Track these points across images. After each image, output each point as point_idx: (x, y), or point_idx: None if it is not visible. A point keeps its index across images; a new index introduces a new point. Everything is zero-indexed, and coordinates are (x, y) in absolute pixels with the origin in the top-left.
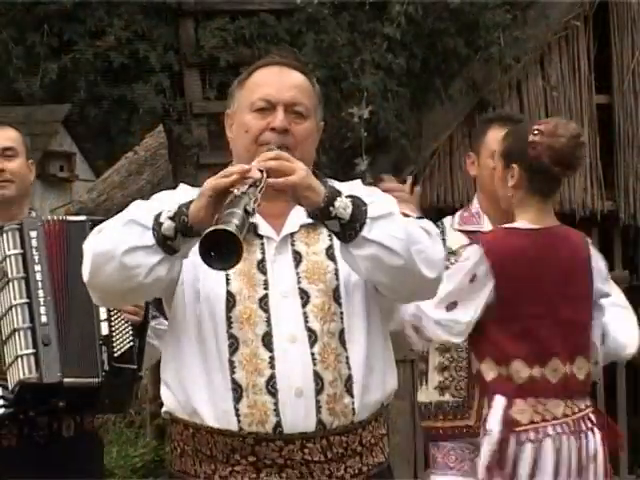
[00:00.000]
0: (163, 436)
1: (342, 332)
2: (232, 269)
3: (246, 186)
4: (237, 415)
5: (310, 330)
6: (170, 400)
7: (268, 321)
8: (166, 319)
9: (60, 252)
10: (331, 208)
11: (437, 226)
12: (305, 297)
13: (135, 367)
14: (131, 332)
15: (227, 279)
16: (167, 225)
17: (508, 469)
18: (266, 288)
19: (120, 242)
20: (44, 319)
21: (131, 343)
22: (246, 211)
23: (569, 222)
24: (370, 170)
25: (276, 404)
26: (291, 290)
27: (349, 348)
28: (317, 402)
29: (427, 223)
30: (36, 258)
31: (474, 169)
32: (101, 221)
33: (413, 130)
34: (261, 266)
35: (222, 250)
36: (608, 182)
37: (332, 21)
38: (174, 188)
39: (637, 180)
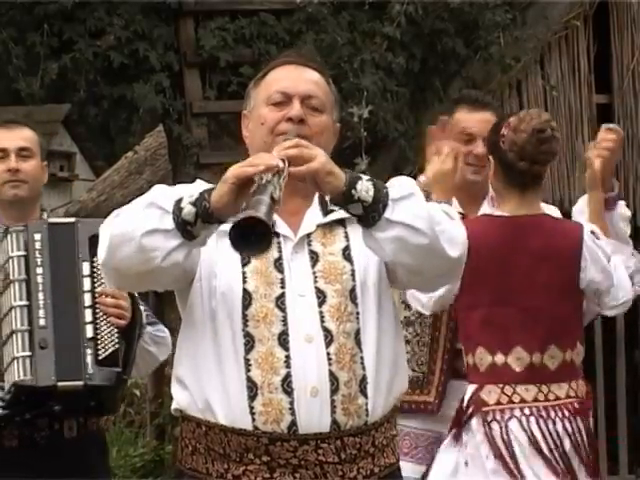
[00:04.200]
0: (163, 436)
1: (358, 332)
2: (261, 254)
3: (269, 175)
4: (252, 413)
5: (326, 330)
6: (182, 397)
7: (284, 320)
8: (165, 326)
9: (55, 254)
10: (353, 191)
11: None
12: (321, 297)
13: (119, 370)
14: (117, 335)
15: (244, 277)
16: (188, 210)
17: (470, 448)
18: (283, 287)
19: (139, 224)
20: (42, 322)
21: (116, 346)
22: (272, 199)
23: None
24: (370, 170)
25: (291, 403)
26: (308, 289)
27: (364, 349)
28: (332, 402)
29: (447, 207)
30: (38, 261)
31: None
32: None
33: (412, 130)
34: (278, 264)
35: (250, 237)
36: None
37: (332, 21)
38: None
39: (637, 180)
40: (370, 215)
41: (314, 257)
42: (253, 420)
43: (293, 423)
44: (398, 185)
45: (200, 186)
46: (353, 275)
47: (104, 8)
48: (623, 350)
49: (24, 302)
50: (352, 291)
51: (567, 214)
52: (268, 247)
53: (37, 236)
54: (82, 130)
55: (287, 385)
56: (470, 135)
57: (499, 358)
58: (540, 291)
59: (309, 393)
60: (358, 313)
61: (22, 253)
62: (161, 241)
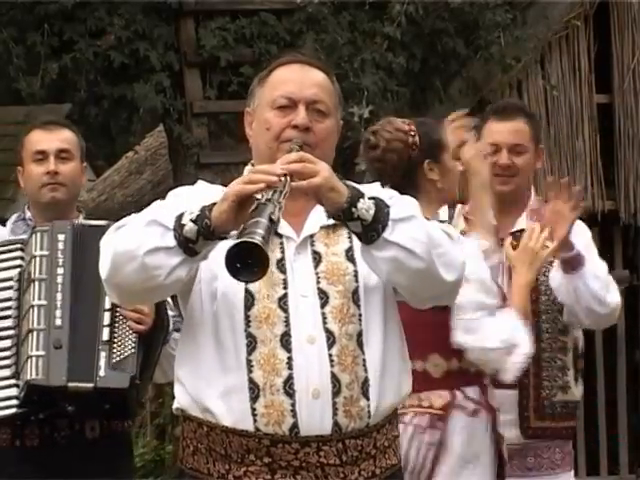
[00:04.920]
0: (163, 436)
1: (360, 334)
2: (258, 280)
3: (270, 192)
4: (254, 415)
5: (328, 331)
6: (184, 397)
7: (287, 321)
8: None
9: (79, 256)
10: (354, 209)
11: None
12: (324, 298)
13: (133, 374)
14: (134, 339)
15: None
16: (189, 227)
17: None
18: (285, 287)
19: (142, 242)
20: (59, 322)
21: (132, 350)
22: (271, 220)
23: None
24: None
25: (293, 405)
26: (310, 290)
27: (366, 351)
28: (334, 404)
29: (448, 227)
30: (60, 261)
31: None
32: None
33: None
34: (280, 265)
35: (248, 261)
36: (608, 182)
37: (332, 21)
38: (174, 188)
39: (637, 180)
40: (369, 234)
41: (317, 258)
42: (255, 422)
43: (294, 425)
44: (401, 205)
45: (198, 191)
46: (356, 276)
47: (104, 8)
48: (624, 349)
49: (43, 301)
50: (355, 292)
51: None
52: (264, 273)
53: (61, 237)
54: (82, 130)
55: (289, 387)
56: (495, 145)
57: None
58: None
59: (311, 395)
60: (360, 315)
61: (45, 253)
62: (164, 259)
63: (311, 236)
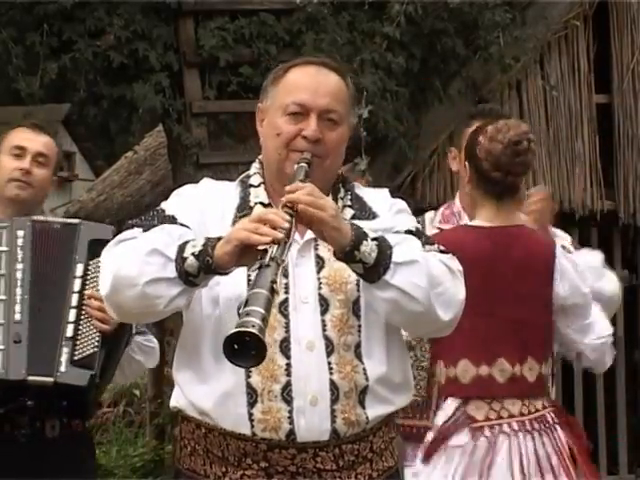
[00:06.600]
0: (163, 436)
1: (358, 345)
2: (257, 366)
3: (274, 247)
4: (251, 420)
5: (327, 339)
6: (182, 399)
7: (287, 327)
8: (154, 336)
9: (42, 252)
10: (356, 252)
11: (417, 221)
12: (325, 305)
13: (93, 373)
14: (97, 338)
15: (248, 280)
16: (190, 262)
17: (455, 463)
18: (287, 292)
19: (143, 271)
20: (18, 317)
21: (95, 349)
22: (272, 289)
23: (569, 222)
24: (370, 170)
25: (290, 412)
26: (311, 296)
27: (366, 361)
28: (332, 411)
29: (450, 260)
30: (19, 257)
31: (455, 164)
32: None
33: (412, 130)
34: (283, 269)
35: (245, 339)
36: (608, 182)
37: (332, 21)
38: (174, 188)
39: (637, 180)
40: (369, 276)
41: (320, 262)
42: (252, 427)
43: (291, 432)
44: (406, 247)
45: (203, 192)
46: (358, 285)
47: (104, 8)
48: (623, 349)
49: (2, 297)
50: (356, 303)
51: (567, 214)
52: (261, 360)
53: (20, 233)
54: (82, 130)
55: (287, 394)
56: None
57: (483, 370)
58: (524, 301)
59: (309, 402)
60: (360, 326)
61: (5, 249)
62: (164, 289)
63: (315, 239)
